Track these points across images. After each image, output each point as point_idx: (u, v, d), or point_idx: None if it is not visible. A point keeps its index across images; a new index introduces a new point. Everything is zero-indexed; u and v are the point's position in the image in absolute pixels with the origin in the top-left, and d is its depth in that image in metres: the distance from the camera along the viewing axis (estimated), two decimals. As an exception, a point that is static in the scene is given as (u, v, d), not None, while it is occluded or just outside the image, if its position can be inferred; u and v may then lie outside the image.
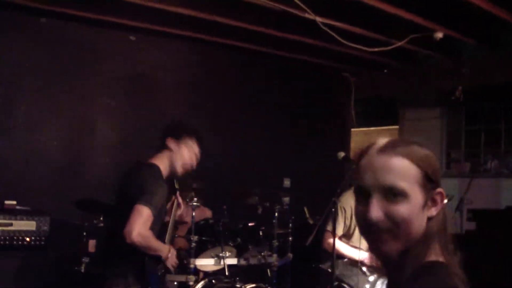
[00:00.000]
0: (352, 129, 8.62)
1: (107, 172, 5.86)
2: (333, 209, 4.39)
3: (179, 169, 3.81)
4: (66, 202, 5.26)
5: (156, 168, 3.69)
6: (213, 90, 6.97)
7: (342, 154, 4.71)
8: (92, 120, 6.10)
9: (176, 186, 4.05)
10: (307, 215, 6.56)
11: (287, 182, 7.37)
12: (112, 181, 5.08)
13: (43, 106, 5.76)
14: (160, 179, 3.65)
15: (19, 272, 4.57)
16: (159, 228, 3.76)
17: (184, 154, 3.81)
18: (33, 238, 4.69)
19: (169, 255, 3.72)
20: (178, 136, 3.81)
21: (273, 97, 7.44)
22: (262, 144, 7.23)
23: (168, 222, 4.03)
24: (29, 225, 4.68)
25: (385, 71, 7.58)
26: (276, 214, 5.72)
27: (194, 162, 3.89)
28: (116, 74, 6.22)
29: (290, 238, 6.06)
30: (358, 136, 9.01)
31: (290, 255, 6.06)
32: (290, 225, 6.08)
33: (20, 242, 4.63)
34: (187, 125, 3.97)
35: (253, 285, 5.07)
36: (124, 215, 3.45)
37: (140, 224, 3.39)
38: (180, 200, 4.14)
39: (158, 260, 3.68)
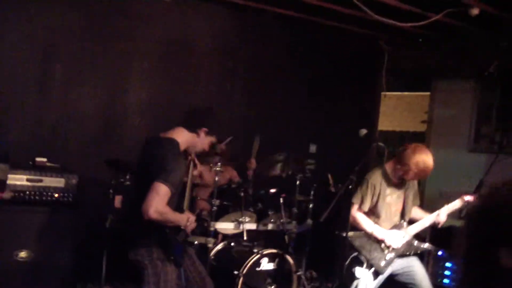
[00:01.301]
0: (385, 93, 8.58)
1: (138, 133, 6.00)
2: (350, 186, 4.45)
3: (193, 150, 3.99)
4: (96, 161, 5.46)
5: (175, 144, 3.82)
6: (246, 57, 7.00)
7: (364, 131, 4.73)
8: (126, 82, 6.18)
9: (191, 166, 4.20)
10: (331, 182, 6.62)
11: (313, 148, 7.44)
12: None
13: (78, 67, 5.86)
14: (178, 155, 3.79)
15: (47, 227, 4.77)
16: (178, 195, 3.92)
17: (203, 143, 4.03)
18: (61, 194, 4.89)
19: (188, 223, 3.88)
20: (206, 130, 3.97)
21: (305, 63, 7.42)
22: (291, 110, 7.27)
23: (186, 182, 4.17)
24: (58, 182, 4.88)
25: (420, 40, 7.47)
26: (298, 182, 5.84)
27: (207, 148, 4.08)
28: (151, 37, 6.27)
29: (311, 206, 6.20)
30: (391, 100, 8.97)
31: (310, 222, 6.21)
32: (312, 192, 6.20)
33: (49, 198, 4.84)
34: (215, 120, 4.10)
35: (271, 250, 5.24)
36: (144, 189, 3.60)
37: (157, 202, 3.54)
38: (196, 160, 4.27)
39: (178, 228, 3.85)
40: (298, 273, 5.53)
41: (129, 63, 6.18)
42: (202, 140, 4.00)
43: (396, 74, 8.31)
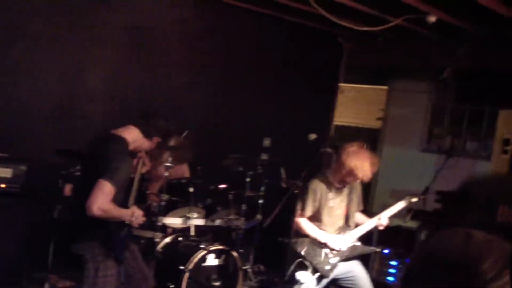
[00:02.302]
0: (344, 85, 8.68)
1: (93, 122, 5.95)
2: (295, 191, 4.52)
3: (140, 150, 4.04)
4: (46, 150, 5.40)
5: (124, 143, 3.86)
6: (208, 46, 6.96)
7: (313, 136, 4.79)
8: (82, 69, 6.05)
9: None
10: (283, 176, 6.69)
11: (267, 142, 7.49)
12: (100, 131, 5.21)
13: (33, 52, 5.71)
14: (126, 154, 3.82)
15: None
16: (124, 192, 3.95)
17: (152, 144, 4.12)
18: (8, 184, 4.86)
19: (133, 218, 3.92)
20: (155, 134, 4.07)
21: (264, 56, 7.43)
22: (247, 102, 7.29)
23: (133, 179, 4.20)
24: (5, 172, 4.85)
25: (379, 39, 7.55)
26: (248, 179, 5.90)
27: (154, 148, 4.20)
28: (110, 24, 6.14)
29: (261, 201, 6.28)
30: (351, 92, 9.07)
31: (259, 217, 6.29)
32: (262, 188, 6.28)
33: (-5, 188, 4.81)
34: (170, 131, 4.17)
35: (217, 246, 5.31)
36: (89, 185, 3.64)
37: (101, 199, 3.58)
38: (145, 158, 4.31)
39: (123, 224, 3.89)
40: (245, 268, 5.62)
41: (87, 50, 6.06)
42: (152, 143, 4.10)
43: (354, 69, 8.42)
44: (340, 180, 4.76)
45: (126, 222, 3.91)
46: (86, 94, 6.12)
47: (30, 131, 5.68)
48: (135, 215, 3.94)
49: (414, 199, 5.08)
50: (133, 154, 4.11)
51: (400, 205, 4.98)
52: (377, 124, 8.43)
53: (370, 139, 7.87)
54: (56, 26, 5.79)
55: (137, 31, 6.35)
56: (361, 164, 4.57)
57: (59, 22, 5.80)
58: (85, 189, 3.66)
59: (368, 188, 7.50)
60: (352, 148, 4.68)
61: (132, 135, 3.95)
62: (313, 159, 4.65)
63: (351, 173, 4.61)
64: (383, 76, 8.25)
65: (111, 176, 3.64)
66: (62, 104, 5.96)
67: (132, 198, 4.13)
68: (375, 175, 7.79)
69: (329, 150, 4.70)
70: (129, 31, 6.29)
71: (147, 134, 4.04)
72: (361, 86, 8.80)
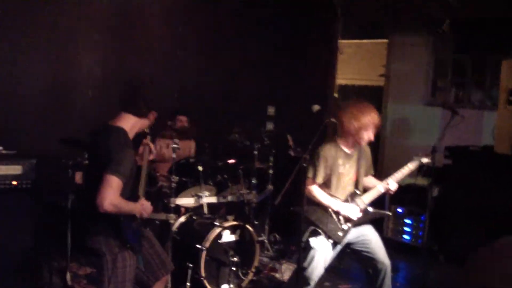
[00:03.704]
0: (344, 41, 8.60)
1: (91, 107, 5.94)
2: (304, 164, 4.51)
3: (137, 131, 3.99)
4: (51, 141, 5.39)
5: (122, 133, 3.80)
6: (198, 19, 6.89)
7: (316, 107, 4.74)
8: (75, 56, 6.04)
9: (146, 130, 4.18)
10: (290, 144, 6.68)
11: (271, 110, 7.46)
12: (97, 116, 5.20)
13: (23, 43, 5.69)
14: (126, 144, 3.75)
15: (8, 214, 4.78)
16: (132, 182, 3.95)
17: (150, 121, 4.02)
18: (20, 181, 4.87)
19: (142, 211, 3.94)
20: (147, 111, 3.94)
21: (260, 22, 7.34)
22: (246, 72, 7.23)
23: (141, 167, 4.20)
24: (15, 169, 4.85)
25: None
26: (256, 151, 5.91)
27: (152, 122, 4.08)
28: (98, 7, 6.10)
29: (271, 172, 6.30)
30: (351, 48, 9.00)
31: (271, 187, 6.32)
32: (271, 158, 6.30)
33: (7, 186, 4.81)
34: (151, 97, 4.03)
35: (231, 223, 5.35)
36: (96, 181, 3.63)
37: (111, 194, 3.57)
38: (151, 145, 4.28)
39: (134, 217, 3.91)
40: (261, 239, 5.66)
41: (77, 34, 6.03)
42: (150, 119, 4.02)
43: (352, 24, 8.32)
44: (348, 143, 4.76)
45: (137, 215, 3.92)
46: (82, 80, 6.09)
47: (31, 124, 5.69)
48: (144, 207, 3.95)
49: (425, 160, 5.01)
50: (138, 142, 4.09)
51: (409, 167, 4.96)
52: (380, 82, 8.38)
53: (374, 98, 7.84)
54: (42, 16, 5.76)
55: (123, 13, 6.29)
56: (362, 122, 4.58)
57: (45, 11, 5.76)
58: (93, 185, 3.66)
59: (376, 147, 7.51)
60: (350, 108, 4.68)
61: (128, 122, 3.88)
62: (318, 130, 4.60)
63: (357, 133, 4.62)
64: (382, 30, 8.15)
65: (116, 169, 3.60)
66: (59, 93, 5.94)
67: (142, 188, 4.13)
68: (382, 133, 7.85)
69: (333, 120, 4.66)
70: (116, 13, 6.24)
71: (141, 115, 3.92)
72: (361, 41, 8.73)
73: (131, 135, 3.89)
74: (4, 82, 5.63)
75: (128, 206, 3.80)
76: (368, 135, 4.70)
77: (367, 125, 4.63)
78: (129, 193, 3.85)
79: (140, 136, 4.09)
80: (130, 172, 3.78)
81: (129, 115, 3.89)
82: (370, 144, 4.94)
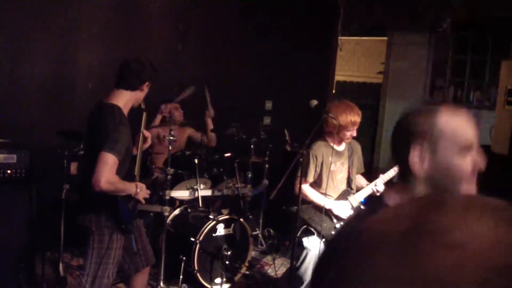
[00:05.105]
0: (343, 38, 8.58)
1: (89, 101, 5.90)
2: (301, 160, 4.50)
3: (134, 105, 3.95)
4: (47, 133, 5.38)
5: (117, 110, 3.76)
6: (197, 13, 6.86)
7: (314, 102, 4.73)
8: (75, 49, 6.00)
9: (142, 106, 4.15)
10: (287, 139, 6.67)
11: (268, 105, 7.45)
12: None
13: (23, 36, 5.65)
14: (121, 122, 3.70)
15: (1, 205, 4.77)
16: (128, 165, 3.92)
17: (145, 93, 3.96)
18: (14, 170, 4.84)
19: (138, 190, 3.91)
20: (139, 83, 3.89)
21: (259, 17, 7.31)
22: (245, 67, 7.21)
23: (136, 155, 4.17)
24: (9, 158, 4.83)
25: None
26: (252, 146, 5.90)
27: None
28: (98, 1, 6.09)
29: (267, 166, 6.29)
30: (351, 44, 8.98)
31: (266, 181, 6.31)
32: (267, 152, 6.28)
33: (1, 175, 4.79)
34: (152, 69, 3.98)
35: (226, 216, 5.35)
36: (92, 159, 3.61)
37: (106, 172, 3.53)
38: (146, 134, 4.25)
39: (129, 197, 3.89)
40: (255, 233, 5.65)
41: (76, 29, 5.99)
42: (144, 90, 3.96)
43: (352, 21, 8.30)
44: (335, 140, 4.76)
45: (132, 195, 3.89)
46: (82, 73, 6.06)
47: (29, 114, 5.67)
48: (139, 187, 3.93)
49: None
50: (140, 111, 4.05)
51: (391, 173, 4.90)
52: (378, 79, 8.37)
53: (372, 95, 7.83)
54: (43, 9, 5.69)
55: (123, 6, 6.25)
56: (341, 122, 4.57)
57: (45, 4, 5.70)
58: (89, 164, 3.63)
59: (373, 145, 7.50)
60: (333, 107, 4.69)
61: (121, 98, 3.82)
62: (315, 126, 4.59)
63: (338, 132, 4.62)
64: (382, 28, 8.14)
65: (112, 147, 3.56)
66: (59, 85, 5.91)
67: (137, 169, 4.11)
68: (379, 131, 7.85)
69: (331, 115, 4.64)
70: (116, 6, 6.21)
71: (134, 87, 3.87)
72: (360, 38, 8.71)
73: (125, 110, 3.83)
74: (3, 74, 5.59)
75: (124, 185, 3.78)
76: (351, 133, 4.70)
77: (346, 124, 4.63)
78: (125, 174, 3.83)
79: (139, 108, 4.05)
80: (126, 150, 3.74)
81: (121, 91, 3.84)
82: (367, 141, 4.94)
